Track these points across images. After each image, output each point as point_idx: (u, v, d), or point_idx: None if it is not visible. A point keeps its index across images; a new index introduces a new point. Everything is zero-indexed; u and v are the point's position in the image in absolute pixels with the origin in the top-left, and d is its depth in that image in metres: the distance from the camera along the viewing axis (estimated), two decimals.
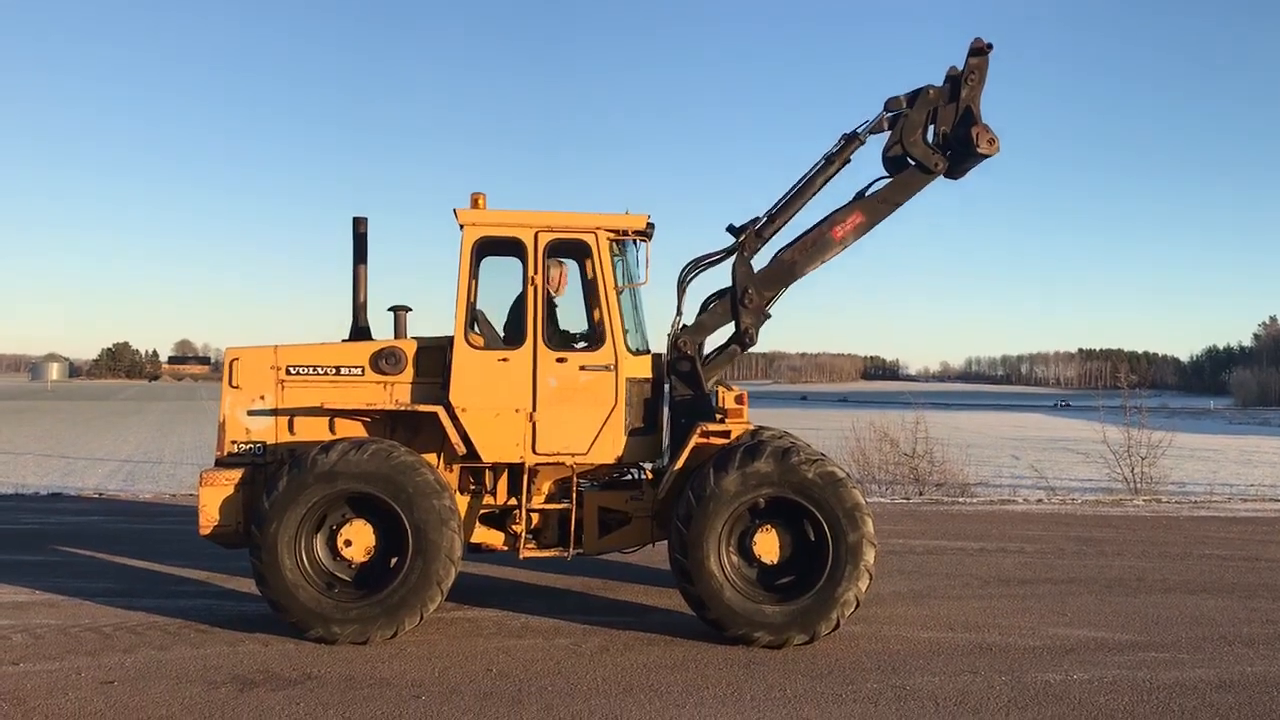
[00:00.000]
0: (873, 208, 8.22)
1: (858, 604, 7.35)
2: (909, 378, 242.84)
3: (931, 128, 8.19)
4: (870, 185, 8.27)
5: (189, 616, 8.04)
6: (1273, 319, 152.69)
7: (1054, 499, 16.81)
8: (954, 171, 8.31)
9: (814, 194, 8.31)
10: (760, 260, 8.29)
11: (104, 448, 29.61)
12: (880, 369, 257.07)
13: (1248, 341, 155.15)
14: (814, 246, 8.19)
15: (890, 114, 8.22)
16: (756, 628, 7.25)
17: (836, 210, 8.26)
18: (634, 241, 8.19)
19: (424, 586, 7.27)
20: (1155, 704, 6.26)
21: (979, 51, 8.09)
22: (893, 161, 8.26)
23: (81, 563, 10.21)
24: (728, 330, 8.37)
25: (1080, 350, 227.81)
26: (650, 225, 8.00)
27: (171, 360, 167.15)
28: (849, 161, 8.36)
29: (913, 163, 8.18)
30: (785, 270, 8.21)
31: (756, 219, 8.26)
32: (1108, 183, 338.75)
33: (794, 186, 8.31)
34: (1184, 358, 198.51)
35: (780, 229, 8.30)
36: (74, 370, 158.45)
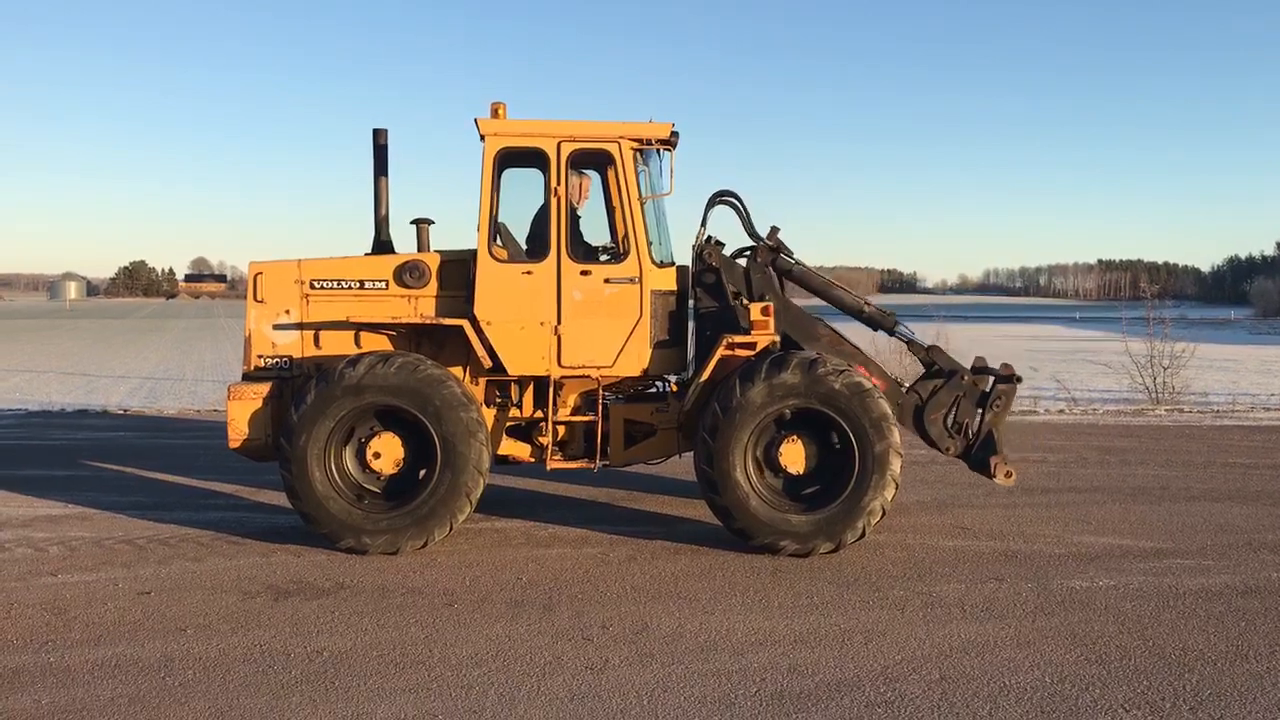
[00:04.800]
0: (892, 398, 8.11)
1: (884, 513, 7.37)
2: (926, 290, 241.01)
3: (953, 413, 8.11)
4: (913, 383, 8.29)
5: (220, 529, 8.15)
6: None
7: (1075, 409, 16.78)
8: (964, 459, 8.20)
9: (827, 304, 8.46)
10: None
11: (125, 365, 29.82)
12: (897, 282, 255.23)
13: (1269, 250, 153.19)
14: (840, 352, 8.14)
15: (927, 361, 8.24)
16: (783, 536, 7.30)
17: (874, 361, 8.40)
18: (658, 151, 8.05)
19: (453, 497, 7.33)
20: (1181, 609, 6.30)
21: (1009, 379, 8.04)
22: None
23: (112, 477, 10.34)
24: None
25: (1100, 261, 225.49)
26: (675, 134, 7.84)
27: (188, 278, 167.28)
28: (874, 330, 8.55)
29: (925, 433, 8.15)
30: (809, 332, 8.12)
31: (791, 255, 8.23)
32: (1125, 89, 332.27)
33: (829, 286, 8.37)
34: (1204, 268, 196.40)
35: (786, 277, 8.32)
36: (92, 289, 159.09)
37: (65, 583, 6.78)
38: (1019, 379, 8.14)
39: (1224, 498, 9.47)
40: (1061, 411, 16.51)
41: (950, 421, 8.09)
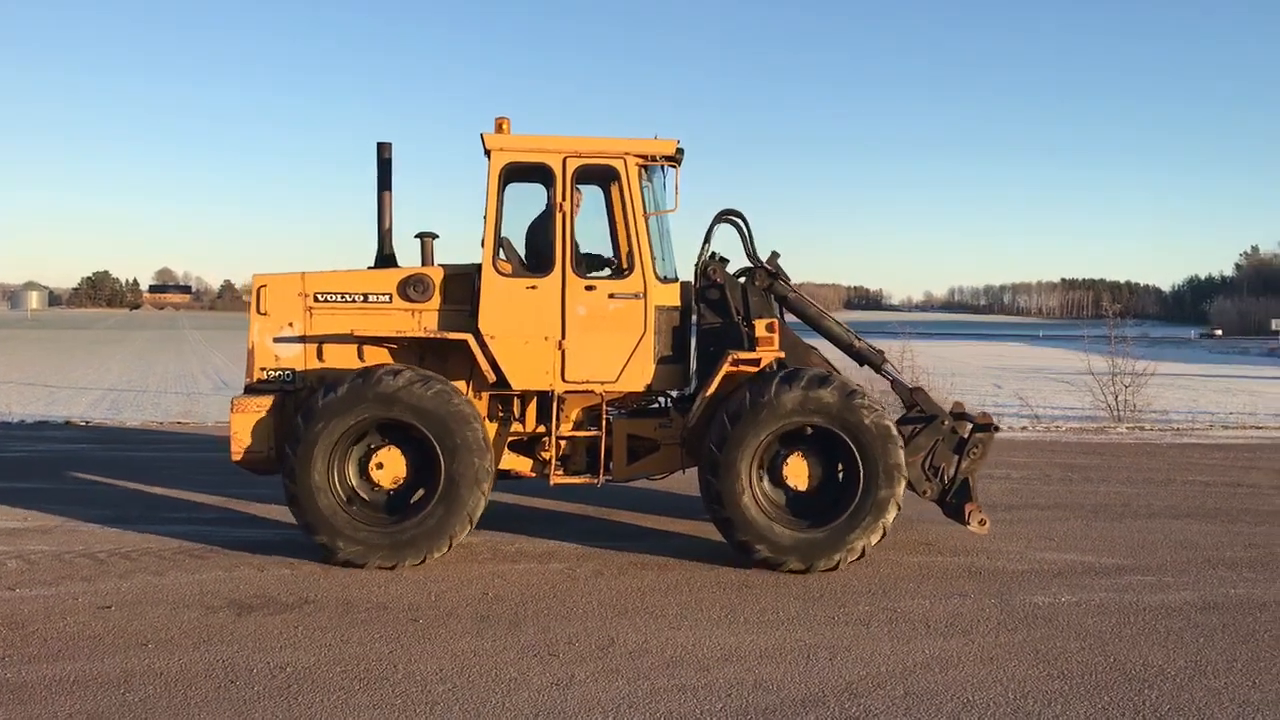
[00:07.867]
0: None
1: (863, 554, 7.38)
2: (892, 307, 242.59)
3: (931, 457, 8.09)
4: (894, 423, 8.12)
5: (184, 542, 8.05)
6: (1254, 248, 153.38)
7: (1038, 427, 16.96)
8: (938, 503, 8.19)
9: (813, 329, 8.52)
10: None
11: (87, 377, 29.51)
12: (864, 299, 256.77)
13: (1229, 271, 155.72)
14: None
15: (909, 403, 8.23)
16: (760, 541, 7.27)
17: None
18: (662, 167, 8.07)
19: (437, 534, 7.30)
20: (1141, 625, 6.38)
21: (986, 428, 8.08)
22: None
23: (72, 489, 10.20)
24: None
25: (1063, 280, 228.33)
26: (680, 150, 7.84)
27: (152, 289, 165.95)
28: (860, 365, 8.52)
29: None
30: (804, 360, 8.10)
31: (788, 281, 8.24)
32: (1089, 110, 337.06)
33: (822, 317, 8.44)
34: (1165, 287, 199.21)
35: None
36: (54, 299, 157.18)
37: (24, 597, 6.68)
38: (996, 428, 8.18)
39: (1184, 515, 9.59)
40: (1024, 429, 16.69)
41: (928, 465, 8.08)
